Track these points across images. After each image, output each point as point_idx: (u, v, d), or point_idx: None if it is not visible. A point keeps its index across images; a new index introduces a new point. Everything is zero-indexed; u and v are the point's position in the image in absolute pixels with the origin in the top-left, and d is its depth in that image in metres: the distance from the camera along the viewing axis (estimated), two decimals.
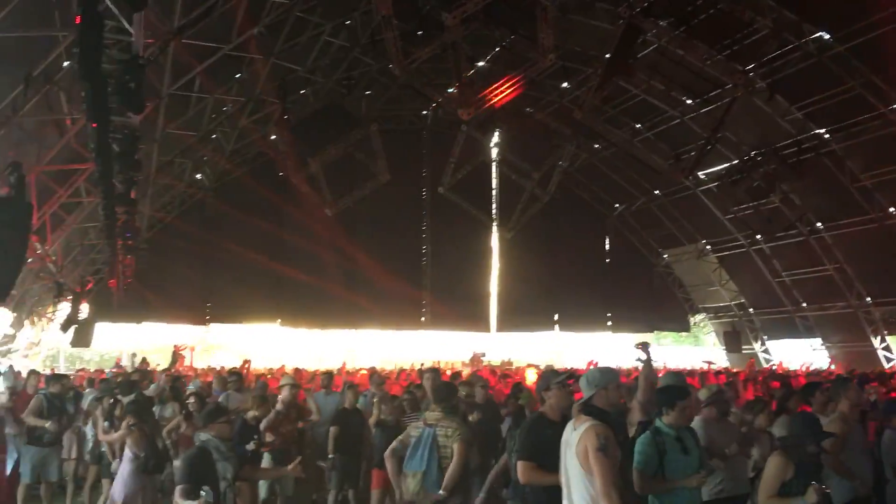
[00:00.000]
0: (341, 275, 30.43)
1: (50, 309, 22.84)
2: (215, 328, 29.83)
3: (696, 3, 16.27)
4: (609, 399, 4.70)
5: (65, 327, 21.08)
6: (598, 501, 4.31)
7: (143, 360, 22.73)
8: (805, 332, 28.22)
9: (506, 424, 8.86)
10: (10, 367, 12.45)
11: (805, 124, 20.81)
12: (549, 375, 6.09)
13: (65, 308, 21.35)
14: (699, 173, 24.15)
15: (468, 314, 32.10)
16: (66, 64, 11.73)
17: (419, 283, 31.77)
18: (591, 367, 6.45)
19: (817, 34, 18.06)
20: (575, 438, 4.50)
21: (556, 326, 33.58)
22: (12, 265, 9.08)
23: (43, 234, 16.17)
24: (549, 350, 33.55)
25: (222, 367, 20.64)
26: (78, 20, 6.81)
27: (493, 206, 31.90)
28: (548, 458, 5.20)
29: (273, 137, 25.73)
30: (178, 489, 5.46)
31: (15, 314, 20.02)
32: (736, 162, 21.27)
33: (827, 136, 20.83)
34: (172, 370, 19.76)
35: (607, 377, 4.83)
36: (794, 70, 18.86)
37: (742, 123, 20.74)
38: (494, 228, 31.83)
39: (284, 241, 29.75)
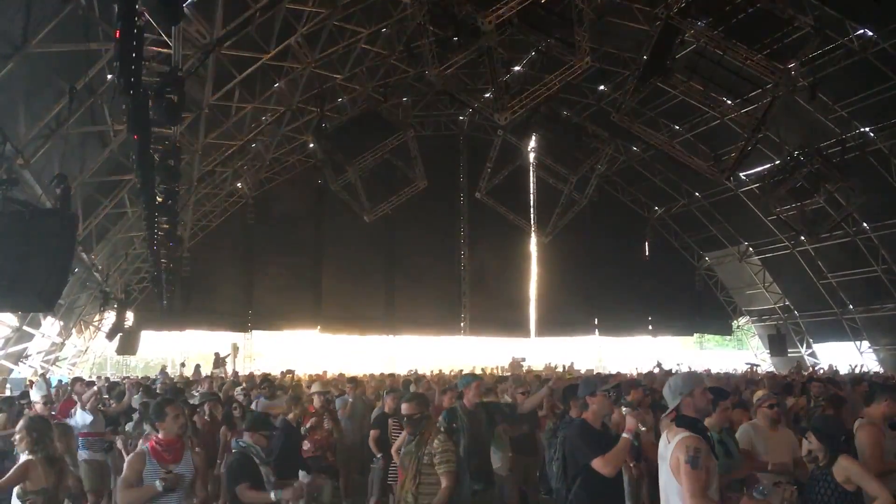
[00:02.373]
0: (380, 281, 30.65)
1: (97, 318, 23.28)
2: (256, 335, 30.12)
3: (735, 2, 16.01)
4: (696, 405, 4.42)
5: (111, 335, 21.50)
6: None
7: (197, 367, 23.01)
8: (852, 334, 27.64)
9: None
10: (43, 375, 12.67)
11: (849, 122, 20.43)
12: (595, 382, 6.04)
13: (111, 317, 21.76)
14: (740, 174, 23.81)
15: (507, 320, 32.07)
16: (109, 77, 11.95)
17: (458, 289, 31.83)
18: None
19: (860, 31, 17.72)
20: (669, 452, 4.31)
21: (596, 331, 33.38)
22: (59, 275, 9.27)
23: (89, 244, 16.50)
24: (590, 354, 33.23)
25: (262, 374, 20.82)
26: (117, 34, 6.93)
27: (531, 210, 31.78)
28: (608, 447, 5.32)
29: (311, 146, 25.97)
30: (240, 488, 5.63)
31: (63, 323, 20.44)
32: (778, 162, 20.90)
33: (872, 134, 20.42)
34: (213, 374, 20.01)
35: (690, 383, 4.56)
36: (836, 68, 18.54)
37: (784, 123, 20.41)
38: (532, 233, 31.71)
39: (323, 249, 30.06)
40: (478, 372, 22.27)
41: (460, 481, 6.19)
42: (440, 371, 22.93)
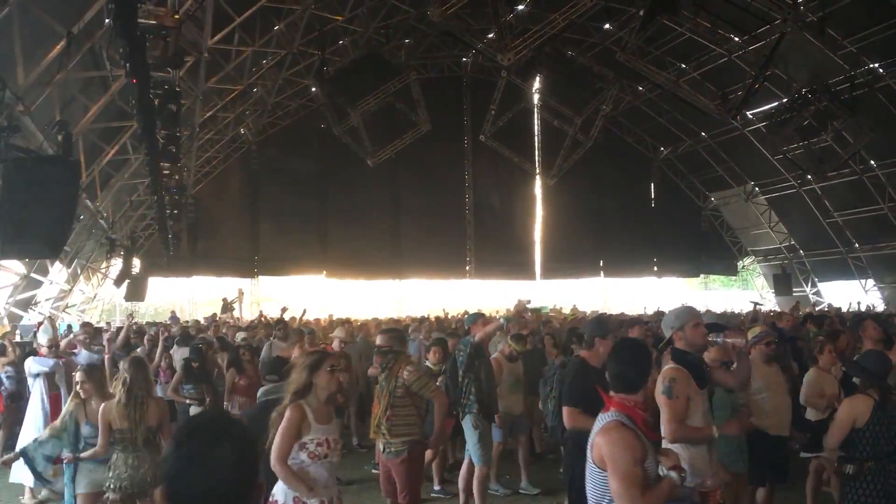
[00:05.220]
0: (385, 225, 30.70)
1: (104, 264, 23.40)
2: (263, 280, 30.30)
3: None
4: (688, 340, 4.52)
5: (119, 282, 21.64)
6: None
7: (213, 315, 23.19)
8: (857, 273, 27.68)
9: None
10: (50, 318, 12.85)
11: (858, 59, 20.08)
12: (607, 324, 6.09)
13: (118, 263, 21.88)
14: (747, 113, 23.50)
15: (513, 262, 32.18)
16: (106, 21, 11.78)
17: (463, 232, 31.88)
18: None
19: None
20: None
21: (602, 272, 33.50)
22: (64, 221, 9.34)
23: (92, 191, 16.49)
24: (595, 296, 33.41)
25: (269, 317, 21.00)
26: None
27: (536, 152, 31.60)
28: (592, 404, 5.29)
29: (313, 90, 25.72)
30: None
31: (70, 270, 20.57)
32: (786, 100, 20.63)
33: (881, 70, 20.11)
34: (220, 319, 20.21)
35: (682, 318, 4.64)
36: (846, 2, 18.14)
37: (792, 60, 20.03)
38: (537, 175, 31.59)
39: (328, 193, 30.03)
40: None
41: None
42: (445, 313, 23.05)
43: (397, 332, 6.65)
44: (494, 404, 7.60)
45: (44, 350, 8.43)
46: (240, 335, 11.82)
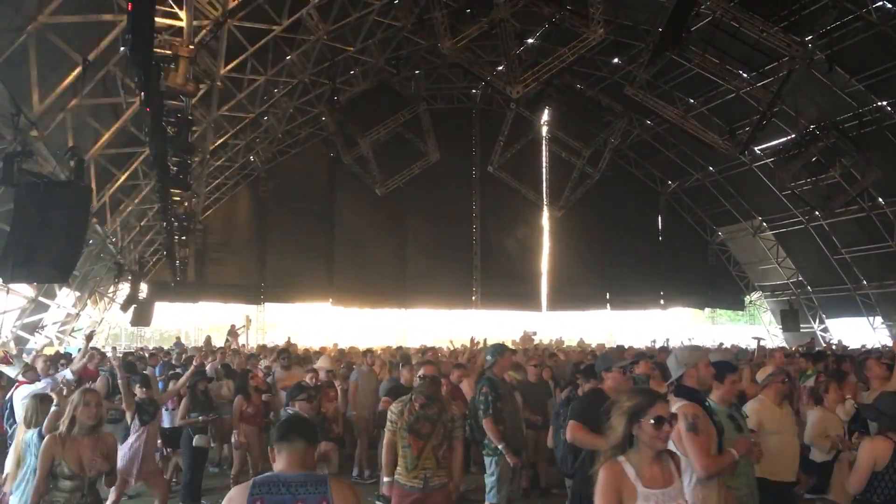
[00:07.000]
0: (392, 255, 30.71)
1: (111, 289, 23.47)
2: (269, 308, 30.31)
3: None
4: (700, 377, 4.52)
5: (125, 307, 21.68)
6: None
7: (208, 338, 23.21)
8: (866, 310, 27.52)
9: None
10: (20, 349, 12.79)
11: (866, 96, 20.16)
12: (612, 357, 6.08)
13: (125, 288, 21.94)
14: (755, 148, 23.59)
15: (519, 293, 32.09)
16: (121, 49, 11.94)
17: (470, 263, 31.83)
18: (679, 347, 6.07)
19: (879, 2, 17.42)
20: None
21: (608, 305, 33.39)
22: (74, 246, 9.39)
23: (102, 216, 16.58)
24: (601, 328, 33.28)
25: (276, 345, 20.99)
26: (129, 7, 6.93)
27: (544, 184, 31.68)
28: (596, 423, 5.31)
29: (323, 119, 25.93)
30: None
31: (78, 294, 20.63)
32: (794, 136, 20.72)
33: (889, 108, 20.16)
34: (226, 346, 20.19)
35: (696, 355, 4.66)
36: (854, 40, 18.26)
37: (800, 96, 20.16)
38: (545, 207, 31.64)
39: (335, 222, 30.10)
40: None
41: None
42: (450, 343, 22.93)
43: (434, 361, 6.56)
44: (520, 444, 7.33)
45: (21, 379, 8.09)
46: (263, 363, 11.75)
